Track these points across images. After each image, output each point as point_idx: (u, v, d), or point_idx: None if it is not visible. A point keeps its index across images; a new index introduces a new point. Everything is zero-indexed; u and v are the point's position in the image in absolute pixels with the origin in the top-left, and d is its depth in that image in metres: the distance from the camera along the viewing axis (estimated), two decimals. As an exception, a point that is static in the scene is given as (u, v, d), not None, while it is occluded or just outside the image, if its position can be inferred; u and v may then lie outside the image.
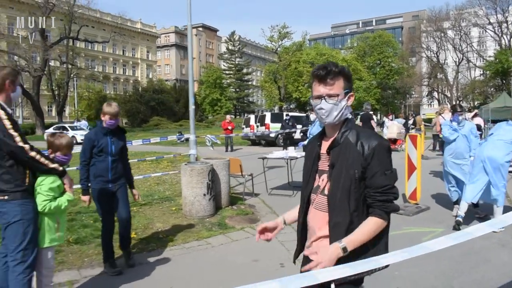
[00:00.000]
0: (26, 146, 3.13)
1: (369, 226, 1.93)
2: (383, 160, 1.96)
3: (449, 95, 60.37)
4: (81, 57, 60.60)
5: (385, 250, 2.04)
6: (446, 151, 7.07)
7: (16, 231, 3.18)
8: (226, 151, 20.63)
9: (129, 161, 4.97)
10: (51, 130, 26.04)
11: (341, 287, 1.93)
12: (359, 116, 17.37)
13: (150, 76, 76.57)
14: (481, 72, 60.05)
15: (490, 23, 56.11)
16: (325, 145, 2.09)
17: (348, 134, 2.01)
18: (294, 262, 2.27)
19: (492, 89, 56.87)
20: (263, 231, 2.22)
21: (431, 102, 71.41)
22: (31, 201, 3.26)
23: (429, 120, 30.02)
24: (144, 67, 78.83)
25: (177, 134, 30.56)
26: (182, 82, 75.66)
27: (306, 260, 2.10)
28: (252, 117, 27.06)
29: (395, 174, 1.99)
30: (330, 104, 1.98)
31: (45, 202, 3.29)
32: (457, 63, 59.71)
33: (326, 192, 2.01)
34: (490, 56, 57.60)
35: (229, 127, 21.39)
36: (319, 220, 2.04)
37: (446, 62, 61.81)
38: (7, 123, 3.08)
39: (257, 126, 24.46)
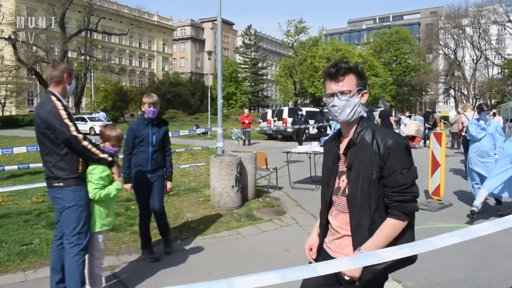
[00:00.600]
0: (80, 136, 3.34)
1: (386, 229, 1.93)
2: (399, 158, 1.93)
3: (466, 93, 59.80)
4: (98, 49, 61.24)
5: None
6: (471, 149, 7.14)
7: (71, 216, 3.38)
8: (244, 144, 20.82)
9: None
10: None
11: (367, 285, 1.96)
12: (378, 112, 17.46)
13: (166, 69, 77.04)
14: (499, 71, 59.26)
15: (510, 21, 55.28)
16: (343, 145, 2.09)
17: (364, 133, 2.01)
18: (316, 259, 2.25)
19: (510, 88, 56.19)
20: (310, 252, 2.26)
21: (447, 100, 70.74)
22: (84, 188, 3.46)
23: (445, 118, 29.88)
24: (160, 60, 79.33)
25: (195, 127, 30.98)
26: (197, 75, 76.04)
27: (324, 255, 2.17)
28: (270, 111, 27.19)
29: (414, 172, 1.97)
30: (343, 101, 1.99)
31: (95, 190, 3.49)
32: (475, 61, 59.01)
33: (346, 193, 2.02)
34: (509, 54, 56.86)
35: (247, 121, 21.55)
36: (341, 221, 2.05)
37: (464, 60, 61.21)
38: (63, 113, 3.29)
39: (274, 121, 24.59)
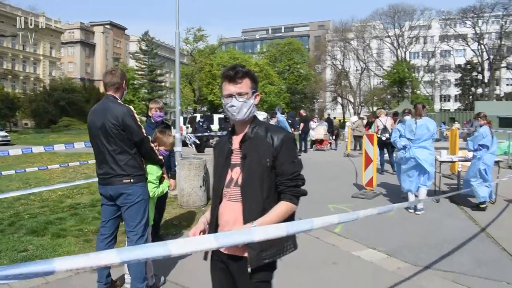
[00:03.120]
0: (149, 138, 3.80)
1: (280, 208, 2.09)
2: (290, 150, 2.16)
3: (352, 101, 65.38)
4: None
5: (293, 234, 2.14)
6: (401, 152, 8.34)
7: (139, 209, 3.76)
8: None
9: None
10: None
11: (257, 273, 2.09)
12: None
13: (54, 74, 72.42)
14: (381, 81, 65.88)
15: (388, 36, 61.98)
16: (236, 140, 2.23)
17: (258, 128, 2.19)
18: (205, 258, 2.28)
19: (389, 96, 62.69)
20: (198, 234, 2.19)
21: (335, 107, 76.48)
22: (146, 184, 3.90)
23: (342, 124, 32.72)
24: (46, 64, 74.24)
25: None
26: (88, 81, 72.72)
27: (218, 253, 2.22)
28: (181, 118, 27.32)
29: (301, 162, 2.21)
30: (240, 102, 2.13)
31: (154, 188, 3.96)
32: (360, 72, 65.02)
33: (239, 183, 2.14)
34: (388, 66, 63.59)
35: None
36: (233, 211, 2.14)
37: (349, 70, 66.95)
38: (137, 117, 3.71)
39: (187, 128, 24.87)
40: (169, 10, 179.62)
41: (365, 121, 21.94)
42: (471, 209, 7.42)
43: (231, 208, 2.14)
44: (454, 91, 67.96)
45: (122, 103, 3.78)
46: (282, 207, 2.09)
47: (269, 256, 2.09)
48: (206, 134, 18.89)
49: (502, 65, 60.76)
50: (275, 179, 2.13)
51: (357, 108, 63.96)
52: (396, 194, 8.79)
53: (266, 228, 1.75)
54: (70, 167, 12.85)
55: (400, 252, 5.12)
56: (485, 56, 60.52)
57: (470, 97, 62.57)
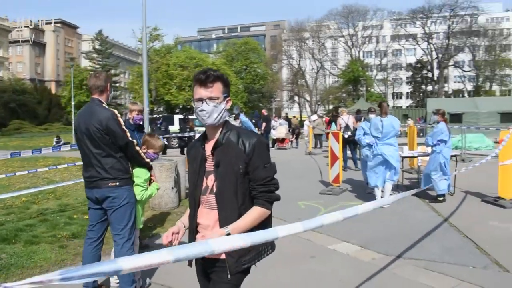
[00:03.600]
0: (134, 141, 3.84)
1: (253, 214, 2.10)
2: (262, 155, 2.15)
3: (309, 99, 66.49)
4: None
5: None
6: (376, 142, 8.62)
7: (125, 213, 3.79)
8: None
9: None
10: None
11: (234, 277, 2.11)
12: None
13: (1, 75, 69.39)
14: (336, 80, 67.36)
15: (342, 36, 63.50)
16: (208, 146, 2.21)
17: (229, 134, 2.16)
18: (190, 265, 2.31)
19: (344, 95, 64.17)
20: (170, 235, 2.17)
21: (292, 106, 77.43)
22: (133, 187, 3.93)
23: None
24: (-7, 64, 71.08)
25: (55, 138, 29.14)
26: (38, 82, 70.23)
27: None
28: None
29: (274, 167, 2.20)
30: (211, 107, 2.11)
31: (142, 191, 3.99)
32: (316, 71, 66.23)
33: (214, 190, 2.13)
34: (343, 66, 65.12)
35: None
36: (210, 219, 2.15)
37: (305, 70, 68.07)
38: (121, 121, 3.74)
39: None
40: (123, 8, 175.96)
41: (324, 119, 22.53)
42: (430, 201, 7.86)
43: (208, 215, 2.15)
44: (405, 88, 70.38)
45: (107, 106, 3.81)
46: (255, 212, 2.10)
47: (248, 261, 2.13)
48: (167, 136, 18.44)
49: (450, 63, 63.72)
50: (249, 184, 2.14)
51: (313, 106, 65.16)
52: (361, 190, 9.13)
53: (228, 239, 1.65)
54: (30, 173, 12.47)
55: (373, 244, 5.39)
56: (434, 55, 63.20)
57: (421, 94, 65.05)
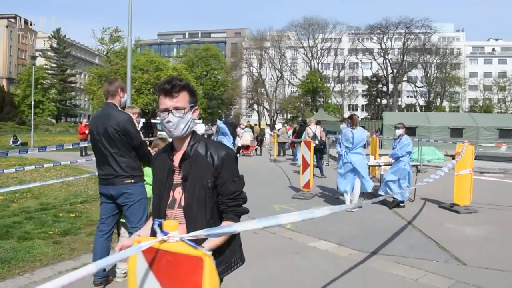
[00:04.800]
0: (147, 142, 4.26)
1: None
2: (231, 168, 2.11)
3: (268, 108, 67.67)
4: None
5: (240, 249, 2.26)
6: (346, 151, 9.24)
7: (140, 207, 4.18)
8: (82, 155, 20.26)
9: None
10: None
11: None
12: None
13: None
14: (295, 90, 69.02)
15: (302, 47, 65.35)
16: (176, 158, 2.14)
17: (197, 146, 2.11)
18: None
19: (303, 105, 65.87)
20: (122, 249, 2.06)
21: (251, 114, 78.39)
22: (144, 184, 4.33)
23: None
24: None
25: (12, 138, 28.40)
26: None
27: None
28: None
29: (243, 180, 2.17)
30: (177, 117, 2.04)
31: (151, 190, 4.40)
32: (276, 80, 67.69)
33: (182, 204, 2.08)
34: (302, 76, 66.93)
35: (87, 131, 21.13)
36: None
37: (265, 78, 69.34)
38: (135, 123, 4.16)
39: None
40: (81, 7, 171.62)
41: (287, 128, 23.32)
42: (389, 207, 8.59)
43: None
44: (361, 101, 73.14)
45: (122, 110, 4.23)
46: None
47: (218, 273, 2.03)
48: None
49: (404, 78, 67.02)
50: (217, 198, 2.12)
51: (273, 115, 66.41)
52: (330, 195, 9.84)
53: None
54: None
55: (348, 242, 6.04)
56: (390, 70, 66.21)
57: (376, 107, 67.79)
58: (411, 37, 64.26)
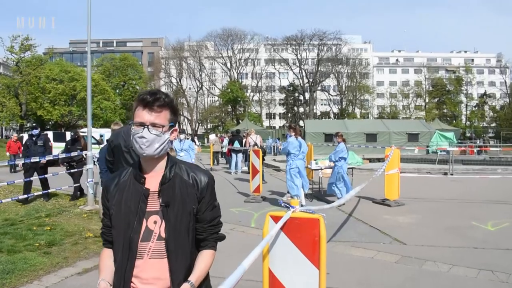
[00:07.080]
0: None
1: (207, 260, 1.90)
2: (213, 193, 1.95)
3: (190, 118, 68.15)
4: None
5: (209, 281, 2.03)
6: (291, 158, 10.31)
7: None
8: (11, 172, 19.56)
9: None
10: None
11: None
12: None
13: None
14: (216, 99, 70.29)
15: (221, 57, 66.89)
16: (149, 181, 1.87)
17: (177, 168, 1.90)
18: None
19: (224, 114, 67.29)
20: None
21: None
22: None
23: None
24: None
25: None
26: None
27: None
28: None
29: (219, 205, 2.01)
30: (153, 135, 1.79)
31: None
32: (196, 90, 68.50)
33: (163, 236, 1.81)
34: (223, 86, 68.43)
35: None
36: (161, 271, 1.82)
37: (186, 88, 69.82)
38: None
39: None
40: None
41: (220, 138, 24.27)
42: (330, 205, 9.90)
43: (154, 266, 1.81)
44: (279, 109, 76.18)
45: None
46: (208, 257, 1.92)
47: None
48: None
49: (318, 87, 71.05)
50: (196, 225, 1.91)
51: (194, 125, 66.97)
52: (279, 197, 10.95)
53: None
54: None
55: (309, 234, 7.14)
56: (305, 79, 69.82)
57: (294, 115, 71.06)
58: (324, 49, 68.51)
